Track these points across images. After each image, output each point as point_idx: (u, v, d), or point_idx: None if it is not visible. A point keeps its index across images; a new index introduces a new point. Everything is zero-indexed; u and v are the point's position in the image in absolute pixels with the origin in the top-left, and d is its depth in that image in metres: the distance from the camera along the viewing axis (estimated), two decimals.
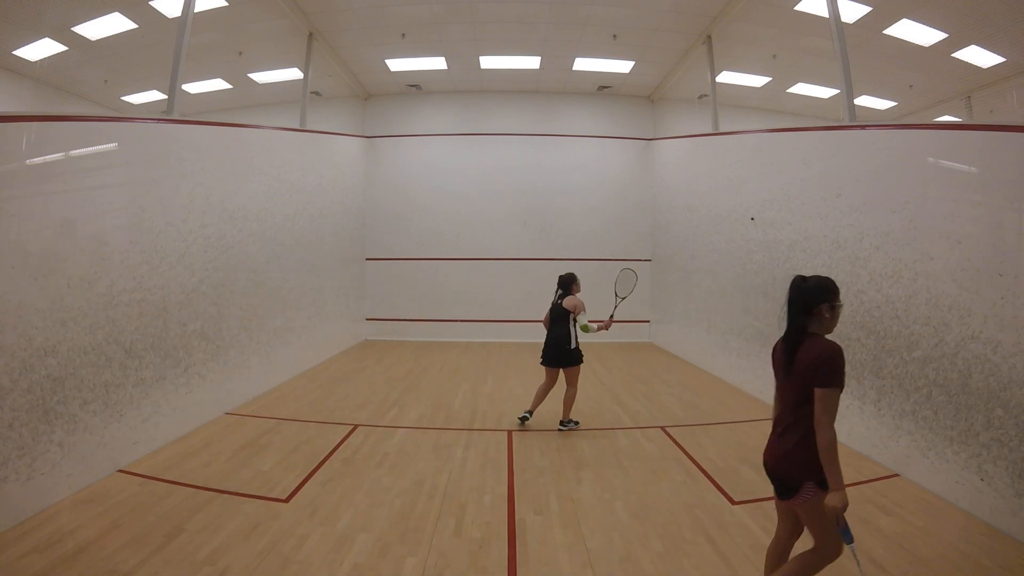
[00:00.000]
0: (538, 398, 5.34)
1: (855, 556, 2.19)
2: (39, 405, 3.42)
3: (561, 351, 5.16)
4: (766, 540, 3.14)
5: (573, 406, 5.28)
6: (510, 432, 5.14)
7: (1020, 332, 3.20)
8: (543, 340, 5.43)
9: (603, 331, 5.14)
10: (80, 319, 3.77)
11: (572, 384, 5.23)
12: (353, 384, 7.00)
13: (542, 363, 5.33)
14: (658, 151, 10.66)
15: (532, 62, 9.33)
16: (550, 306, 5.39)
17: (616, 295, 5.41)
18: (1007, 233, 3.40)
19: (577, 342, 5.19)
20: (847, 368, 2.20)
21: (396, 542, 3.11)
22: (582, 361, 5.23)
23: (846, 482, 4.06)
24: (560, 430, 5.18)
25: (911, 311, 4.07)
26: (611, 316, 5.21)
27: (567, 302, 5.22)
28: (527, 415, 5.32)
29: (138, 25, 7.14)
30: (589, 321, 5.10)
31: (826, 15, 5.66)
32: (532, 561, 2.93)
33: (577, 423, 5.30)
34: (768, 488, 3.83)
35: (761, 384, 6.31)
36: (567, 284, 5.33)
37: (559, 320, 5.23)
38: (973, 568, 2.85)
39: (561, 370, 5.25)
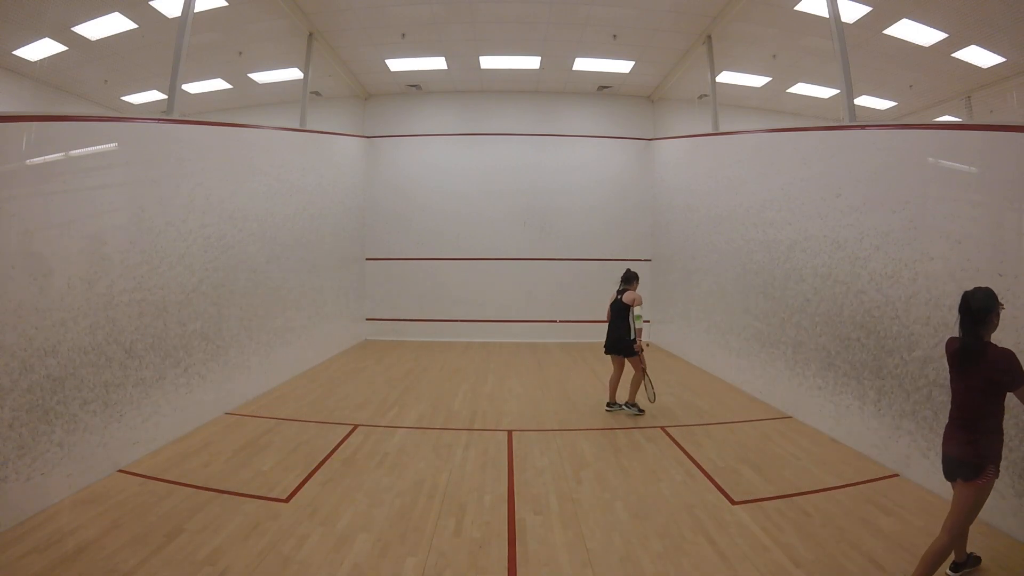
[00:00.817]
0: (612, 387, 5.84)
1: None
2: (39, 405, 3.42)
3: (622, 342, 5.59)
4: (766, 540, 3.14)
5: (638, 391, 5.69)
6: (510, 432, 5.14)
7: (1020, 332, 3.20)
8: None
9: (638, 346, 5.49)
10: (80, 319, 3.77)
11: (637, 369, 5.60)
12: (353, 384, 7.00)
13: (605, 351, 5.80)
14: (658, 151, 10.66)
15: (532, 62, 9.33)
16: (611, 300, 5.77)
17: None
18: (1007, 233, 3.40)
19: (635, 333, 5.58)
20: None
21: (396, 542, 3.11)
22: (642, 350, 5.60)
23: (844, 482, 4.09)
24: (624, 408, 5.68)
25: (911, 311, 4.07)
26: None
27: (627, 296, 5.58)
28: (609, 406, 5.83)
29: (138, 25, 7.14)
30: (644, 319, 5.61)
31: (826, 15, 5.66)
32: (532, 561, 2.93)
33: (643, 411, 5.66)
34: (768, 488, 3.86)
35: (761, 384, 6.31)
36: (629, 279, 5.71)
37: (619, 313, 5.63)
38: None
39: (625, 360, 5.69)
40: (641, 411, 5.65)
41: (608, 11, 7.38)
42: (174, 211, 4.90)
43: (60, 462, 3.54)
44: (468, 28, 7.98)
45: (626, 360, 5.69)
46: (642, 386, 5.62)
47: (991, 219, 3.53)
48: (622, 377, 5.82)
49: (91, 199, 4.00)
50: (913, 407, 4.01)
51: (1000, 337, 3.32)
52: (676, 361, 8.83)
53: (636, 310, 5.47)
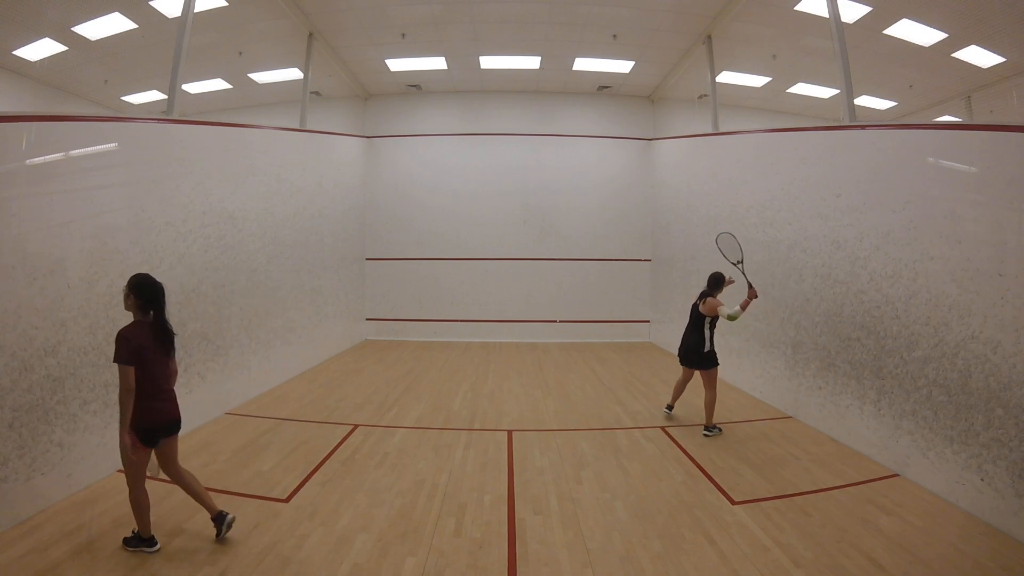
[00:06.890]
0: (676, 391, 5.59)
1: None
2: (39, 405, 3.42)
3: (696, 354, 5.10)
4: (766, 540, 3.14)
5: (714, 411, 5.08)
6: (510, 432, 5.14)
7: (1020, 332, 3.20)
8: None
9: (754, 300, 4.87)
10: (80, 319, 3.77)
11: (710, 387, 5.04)
12: (353, 384, 7.00)
13: (680, 361, 5.38)
14: (658, 151, 10.66)
15: (532, 62, 9.33)
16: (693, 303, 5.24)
17: (738, 263, 5.22)
18: (1007, 233, 3.40)
19: (712, 345, 5.05)
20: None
21: (396, 542, 3.11)
22: (718, 364, 5.08)
23: (844, 482, 4.08)
24: (705, 435, 4.99)
25: (911, 311, 4.07)
26: (749, 285, 4.94)
27: (704, 307, 5.03)
28: (669, 408, 5.59)
29: (138, 25, 7.14)
30: (737, 308, 4.78)
31: (826, 15, 5.66)
32: (532, 561, 2.93)
33: (720, 431, 5.08)
34: (768, 488, 3.86)
35: (761, 384, 6.31)
36: (714, 284, 5.12)
37: (694, 323, 5.14)
38: (973, 568, 2.85)
39: (697, 372, 5.18)
40: (720, 431, 5.07)
41: (608, 11, 7.38)
42: (174, 211, 4.90)
43: (60, 462, 3.54)
44: (468, 28, 7.98)
45: (698, 374, 5.15)
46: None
47: (991, 219, 3.53)
48: (704, 393, 5.13)
49: (91, 199, 4.00)
50: (913, 407, 4.01)
51: (1000, 337, 3.34)
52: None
53: (722, 311, 4.82)
